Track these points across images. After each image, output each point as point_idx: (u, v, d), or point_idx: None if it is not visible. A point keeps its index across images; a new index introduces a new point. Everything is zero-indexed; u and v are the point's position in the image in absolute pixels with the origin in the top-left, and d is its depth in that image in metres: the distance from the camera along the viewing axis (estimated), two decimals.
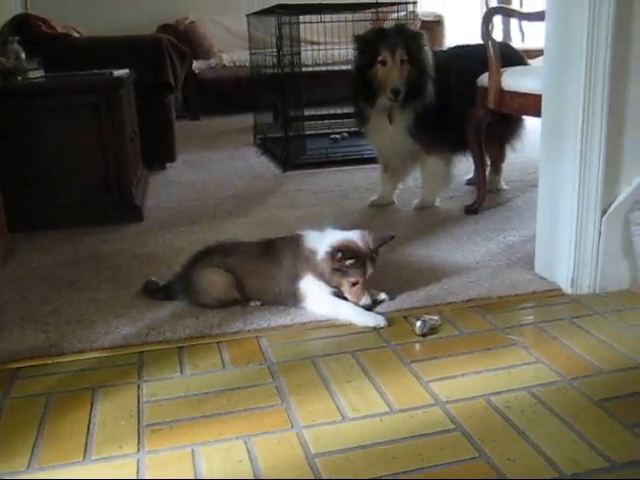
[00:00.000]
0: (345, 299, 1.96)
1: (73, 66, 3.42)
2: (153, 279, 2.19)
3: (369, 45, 2.91)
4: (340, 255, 1.88)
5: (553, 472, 1.26)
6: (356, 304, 1.94)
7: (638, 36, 1.92)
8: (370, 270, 1.94)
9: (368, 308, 1.94)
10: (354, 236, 1.94)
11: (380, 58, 2.86)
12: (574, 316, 1.92)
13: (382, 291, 2.04)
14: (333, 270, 1.92)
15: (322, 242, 1.95)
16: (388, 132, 2.97)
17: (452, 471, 1.27)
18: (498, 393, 1.53)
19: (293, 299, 2.00)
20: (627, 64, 1.94)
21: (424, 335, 1.82)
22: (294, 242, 2.02)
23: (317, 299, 1.96)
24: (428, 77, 2.90)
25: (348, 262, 1.89)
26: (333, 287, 1.96)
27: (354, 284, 1.94)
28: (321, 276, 1.95)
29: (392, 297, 2.04)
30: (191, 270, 2.07)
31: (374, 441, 1.37)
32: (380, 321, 1.88)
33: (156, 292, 2.14)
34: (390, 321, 1.90)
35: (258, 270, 2.04)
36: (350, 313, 1.92)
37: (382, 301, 2.01)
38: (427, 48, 2.95)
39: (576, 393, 1.52)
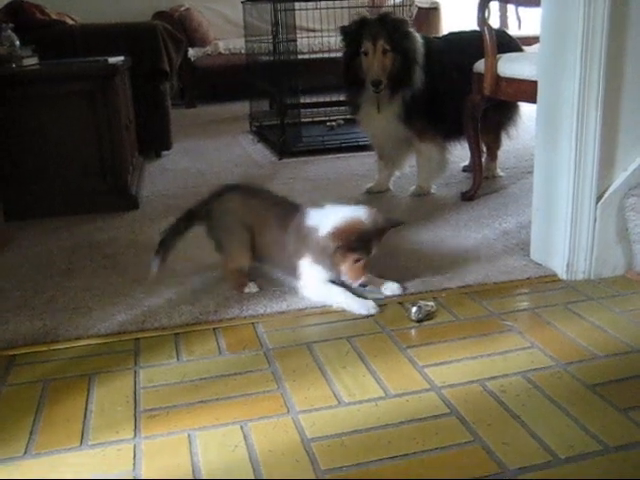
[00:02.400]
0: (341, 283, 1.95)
1: (68, 53, 3.42)
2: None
3: (352, 36, 2.92)
4: (346, 236, 1.83)
5: (547, 455, 1.27)
6: (351, 283, 1.92)
7: (634, 22, 1.92)
8: (374, 250, 1.89)
9: (363, 286, 1.93)
10: (361, 214, 1.89)
11: (362, 49, 2.86)
12: (569, 302, 1.93)
13: (390, 281, 2.01)
14: (337, 247, 1.86)
15: (325, 219, 1.90)
16: (379, 120, 2.97)
17: (447, 455, 1.28)
18: (493, 378, 1.54)
19: (292, 272, 1.99)
20: (623, 50, 1.94)
21: (419, 321, 1.82)
22: (300, 216, 1.97)
23: (312, 284, 1.96)
24: (415, 64, 2.88)
25: (354, 241, 1.84)
26: (331, 269, 1.92)
27: (356, 261, 1.88)
28: (321, 253, 1.90)
29: (404, 288, 2.00)
30: (218, 197, 2.12)
31: (370, 426, 1.38)
32: (370, 308, 1.88)
33: (177, 223, 2.13)
34: (385, 307, 1.91)
35: (269, 224, 2.03)
36: (342, 300, 1.92)
37: (395, 294, 1.98)
38: (414, 35, 2.93)
39: (570, 378, 1.53)
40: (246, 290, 2.04)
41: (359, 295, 1.95)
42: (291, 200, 2.13)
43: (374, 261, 1.96)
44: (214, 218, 2.09)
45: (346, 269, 1.91)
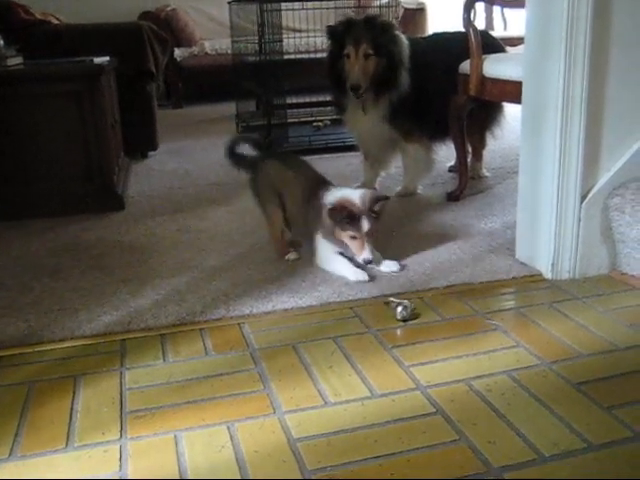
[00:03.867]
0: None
1: (53, 53, 3.39)
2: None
3: (337, 37, 2.91)
4: (335, 211, 2.03)
5: (532, 454, 1.27)
6: (357, 258, 2.09)
7: (617, 23, 1.94)
8: (366, 226, 2.03)
9: (368, 262, 2.07)
10: (353, 194, 2.08)
11: (345, 51, 2.85)
12: (554, 301, 1.94)
13: (396, 261, 2.18)
14: (334, 224, 2.06)
15: (331, 198, 2.08)
16: (365, 121, 2.97)
17: (433, 454, 1.29)
18: (479, 377, 1.55)
19: (303, 237, 2.25)
20: (607, 51, 1.95)
21: (405, 320, 1.83)
22: (319, 193, 2.15)
23: (322, 254, 2.17)
24: (401, 67, 2.88)
25: (343, 218, 2.03)
26: (337, 244, 2.12)
27: (353, 237, 2.06)
28: (328, 229, 2.10)
29: (402, 267, 2.17)
30: (262, 160, 2.38)
31: (356, 425, 1.38)
32: (359, 276, 2.07)
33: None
34: (371, 307, 1.92)
35: (296, 196, 2.23)
36: (340, 267, 2.12)
37: (394, 272, 2.13)
38: (400, 38, 2.93)
39: (555, 376, 1.54)
40: (286, 257, 2.27)
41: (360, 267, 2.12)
42: (322, 177, 2.30)
43: (376, 240, 2.14)
44: (255, 178, 2.36)
45: (349, 245, 2.09)
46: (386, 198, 2.12)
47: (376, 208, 2.06)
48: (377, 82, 2.86)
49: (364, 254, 2.06)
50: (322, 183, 2.22)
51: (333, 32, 2.94)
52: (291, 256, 2.28)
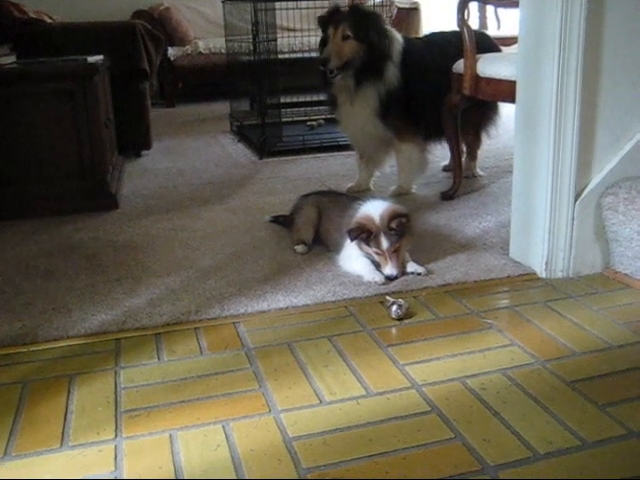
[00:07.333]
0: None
1: (46, 52, 3.39)
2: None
3: (323, 24, 2.96)
4: (354, 231, 2.08)
5: (527, 451, 1.28)
6: (383, 272, 2.10)
7: (611, 23, 1.95)
8: (385, 243, 2.06)
9: (393, 278, 2.08)
10: (375, 211, 2.11)
11: (327, 34, 2.90)
12: (548, 299, 1.95)
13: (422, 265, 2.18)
14: (358, 241, 2.12)
15: (358, 213, 2.16)
16: (355, 115, 2.98)
17: (428, 452, 1.29)
18: (473, 375, 1.55)
19: (337, 248, 2.25)
20: (600, 51, 1.96)
21: (400, 319, 1.83)
22: (355, 208, 2.20)
23: (346, 254, 2.19)
24: (388, 59, 2.90)
25: (361, 237, 2.09)
26: (368, 256, 2.15)
27: (377, 253, 2.10)
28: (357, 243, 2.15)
29: (426, 271, 2.14)
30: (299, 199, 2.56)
31: (351, 424, 1.39)
32: (375, 277, 2.07)
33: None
34: (366, 305, 1.92)
35: (331, 215, 2.36)
36: (358, 267, 2.14)
37: (419, 274, 2.12)
38: (388, 31, 2.95)
39: (549, 375, 1.54)
40: (295, 247, 2.34)
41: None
42: (354, 197, 2.45)
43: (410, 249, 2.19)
44: (298, 202, 2.55)
45: (376, 259, 2.12)
46: (403, 215, 2.10)
47: (393, 225, 2.06)
48: (357, 68, 2.87)
49: (386, 270, 2.08)
50: (354, 201, 2.27)
51: (321, 19, 3.00)
52: (300, 248, 2.34)
